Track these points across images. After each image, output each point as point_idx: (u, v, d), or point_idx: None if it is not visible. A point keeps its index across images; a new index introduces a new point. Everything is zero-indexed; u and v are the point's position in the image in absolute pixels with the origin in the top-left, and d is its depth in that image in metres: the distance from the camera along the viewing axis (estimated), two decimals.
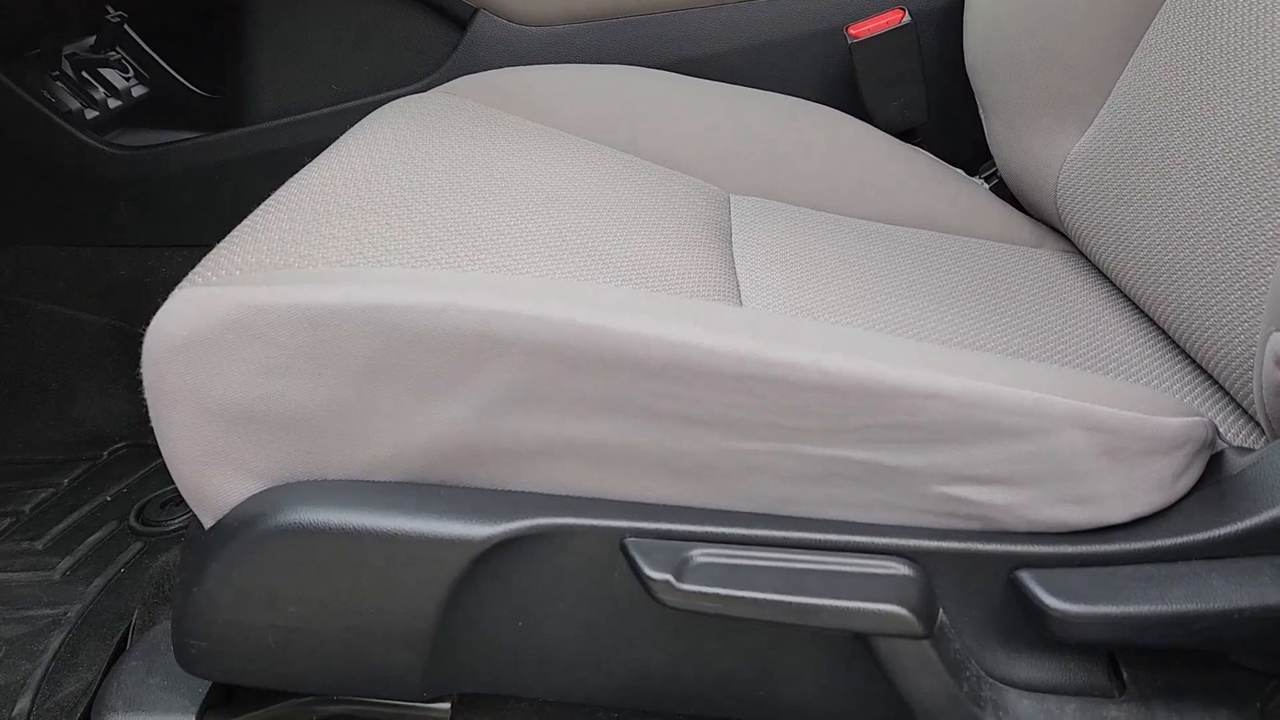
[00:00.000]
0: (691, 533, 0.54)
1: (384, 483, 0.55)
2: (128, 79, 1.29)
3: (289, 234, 0.62)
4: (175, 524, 1.00)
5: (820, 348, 0.52)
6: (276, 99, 1.14)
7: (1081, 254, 0.96)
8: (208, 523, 0.58)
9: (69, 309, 1.21)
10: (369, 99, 1.11)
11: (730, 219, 0.90)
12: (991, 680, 0.57)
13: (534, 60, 1.11)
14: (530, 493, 0.55)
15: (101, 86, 1.25)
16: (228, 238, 0.64)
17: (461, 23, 1.10)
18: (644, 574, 0.53)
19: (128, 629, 0.85)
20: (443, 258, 0.60)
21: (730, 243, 0.84)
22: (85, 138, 1.16)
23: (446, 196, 0.71)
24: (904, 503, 0.55)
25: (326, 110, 1.12)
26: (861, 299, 0.76)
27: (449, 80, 1.06)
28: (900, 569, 0.54)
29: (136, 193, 1.16)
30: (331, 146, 0.82)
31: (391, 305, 0.52)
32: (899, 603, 0.52)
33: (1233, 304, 0.67)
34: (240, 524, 0.56)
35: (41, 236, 1.19)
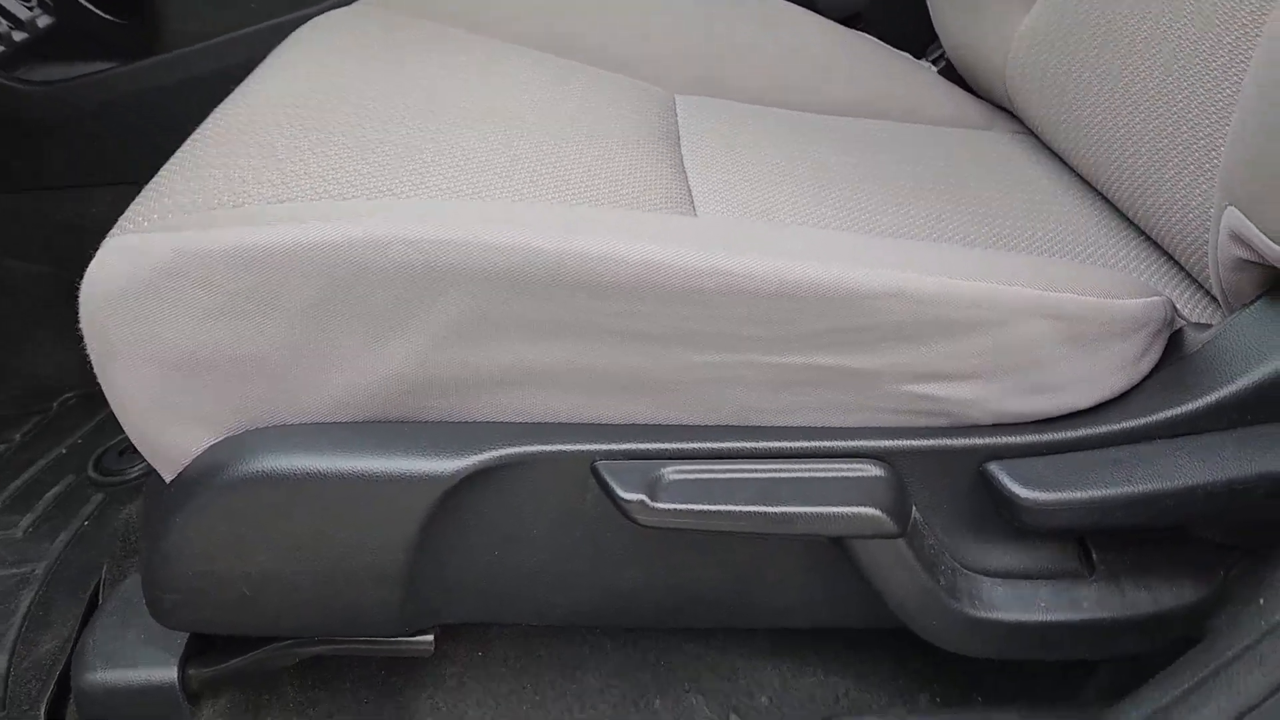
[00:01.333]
0: (661, 450, 0.54)
1: (345, 423, 0.54)
2: (31, 8, 1.22)
3: (219, 170, 0.59)
4: (135, 472, 0.99)
5: (774, 253, 0.51)
6: (195, 21, 1.09)
7: (1032, 134, 0.95)
8: (167, 476, 0.57)
9: (2, 258, 1.16)
10: (293, 15, 1.06)
11: (677, 122, 0.88)
12: (966, 571, 0.57)
13: None
14: (494, 423, 0.54)
15: (3, 19, 1.18)
16: (156, 178, 0.61)
17: None
18: (617, 496, 0.52)
19: (98, 583, 0.84)
20: (382, 185, 0.58)
21: (679, 147, 0.82)
22: None
23: (382, 119, 0.68)
24: (870, 404, 0.55)
25: (248, 30, 1.07)
26: (816, 196, 0.75)
27: None
28: (871, 470, 0.54)
29: (56, 131, 1.11)
30: (256, 71, 0.79)
31: (333, 243, 0.50)
32: (872, 504, 0.53)
33: (1185, 179, 0.67)
34: (201, 475, 0.54)
35: None
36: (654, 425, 0.55)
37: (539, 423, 0.55)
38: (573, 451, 0.54)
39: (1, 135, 1.11)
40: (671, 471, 0.53)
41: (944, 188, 0.81)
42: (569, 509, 0.55)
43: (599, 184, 0.67)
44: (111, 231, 0.55)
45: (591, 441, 0.54)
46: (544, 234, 0.50)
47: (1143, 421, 0.55)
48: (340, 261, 0.50)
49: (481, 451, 0.53)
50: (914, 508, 0.56)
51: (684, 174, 0.76)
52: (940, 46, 1.04)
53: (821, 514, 0.52)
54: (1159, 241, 0.72)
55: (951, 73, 1.04)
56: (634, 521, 0.53)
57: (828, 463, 0.54)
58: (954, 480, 0.56)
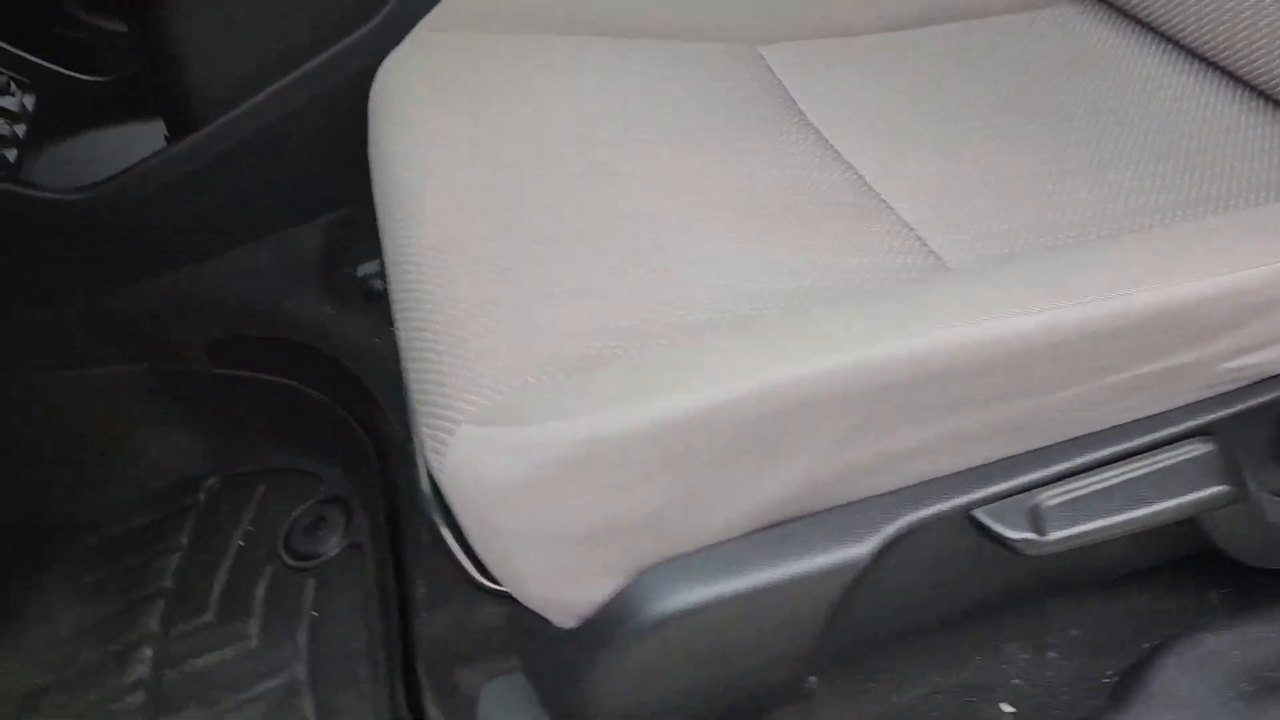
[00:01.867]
0: (1027, 482, 0.58)
1: (745, 537, 0.57)
2: (11, 93, 1.13)
3: (504, 339, 0.59)
4: (334, 550, 1.00)
5: (1105, 291, 0.55)
6: (222, 78, 1.02)
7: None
8: (566, 623, 0.59)
9: (75, 368, 1.12)
10: (323, 56, 1.00)
11: (787, 89, 0.87)
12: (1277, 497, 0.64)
13: None
14: (878, 496, 0.58)
15: None
16: (445, 340, 0.60)
17: None
18: (1005, 538, 0.57)
19: (390, 674, 0.87)
20: (680, 316, 0.59)
21: (809, 123, 0.82)
22: (21, 190, 1.03)
23: (577, 216, 0.68)
24: (1192, 387, 0.60)
25: (283, 83, 1.01)
26: (997, 174, 0.76)
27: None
28: (1204, 447, 0.60)
29: (109, 229, 1.05)
30: (387, 174, 0.76)
31: (728, 402, 0.51)
32: (1219, 480, 0.58)
33: None
34: (610, 620, 0.57)
35: (19, 301, 1.08)
36: (1012, 458, 0.59)
37: (914, 484, 0.59)
38: (952, 506, 0.58)
39: (54, 247, 1.05)
40: (1045, 500, 0.58)
41: (1095, 120, 0.81)
42: (948, 551, 0.60)
43: (803, 229, 0.68)
44: (459, 419, 0.56)
45: (965, 492, 0.58)
46: (910, 338, 0.52)
47: None
48: (743, 413, 0.52)
49: (878, 529, 0.57)
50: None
51: (846, 165, 0.77)
52: None
53: (1181, 504, 0.58)
54: None
55: None
56: (1022, 555, 0.58)
57: (1168, 450, 0.60)
58: (1266, 427, 0.62)
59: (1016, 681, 0.76)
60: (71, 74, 1.14)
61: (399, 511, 0.99)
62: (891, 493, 0.58)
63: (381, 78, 0.88)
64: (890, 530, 0.57)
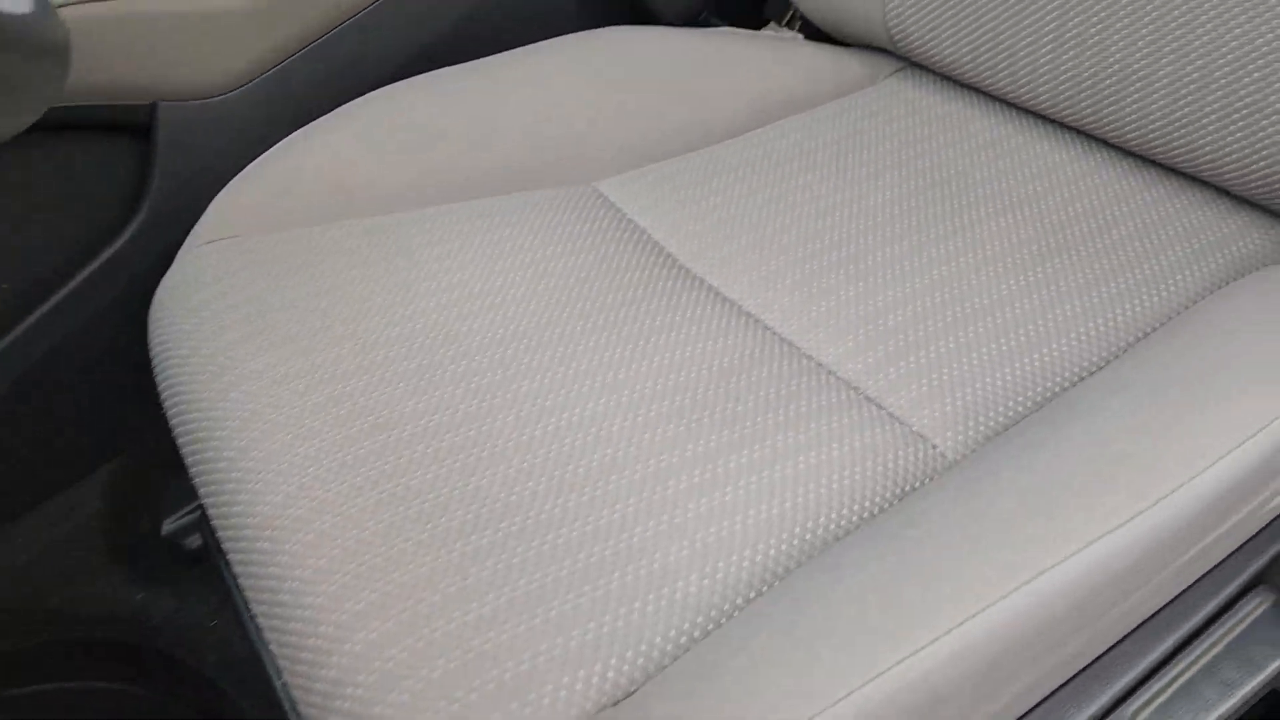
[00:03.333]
0: (1115, 695, 0.50)
1: None
2: None
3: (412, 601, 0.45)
4: None
5: (1174, 478, 0.47)
6: None
7: (929, 70, 0.93)
8: None
9: None
10: (75, 282, 0.81)
11: (648, 232, 0.77)
12: None
13: (247, 128, 0.84)
14: None
15: None
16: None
17: (144, 127, 0.80)
18: None
19: None
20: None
21: (693, 275, 0.72)
22: None
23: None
24: (1243, 536, 0.53)
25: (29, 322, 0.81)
26: (888, 283, 0.69)
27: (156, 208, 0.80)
28: (1267, 598, 0.54)
29: None
30: (190, 383, 0.61)
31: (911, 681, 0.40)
32: None
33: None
34: None
35: None
36: (1092, 668, 0.51)
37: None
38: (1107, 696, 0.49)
39: None
40: (1137, 714, 0.50)
41: (966, 202, 0.77)
42: None
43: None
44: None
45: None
46: (1008, 598, 0.43)
47: None
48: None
49: None
50: None
51: (767, 330, 0.67)
52: (789, 9, 0.97)
53: (1270, 673, 0.52)
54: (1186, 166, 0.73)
55: (810, 28, 0.98)
56: None
57: (1231, 615, 0.53)
58: None
59: None
60: None
61: None
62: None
63: (162, 300, 0.71)
64: None
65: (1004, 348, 0.63)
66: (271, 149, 0.80)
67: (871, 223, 0.76)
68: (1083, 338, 0.64)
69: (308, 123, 0.82)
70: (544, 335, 0.67)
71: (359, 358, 0.65)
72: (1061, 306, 0.66)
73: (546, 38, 0.90)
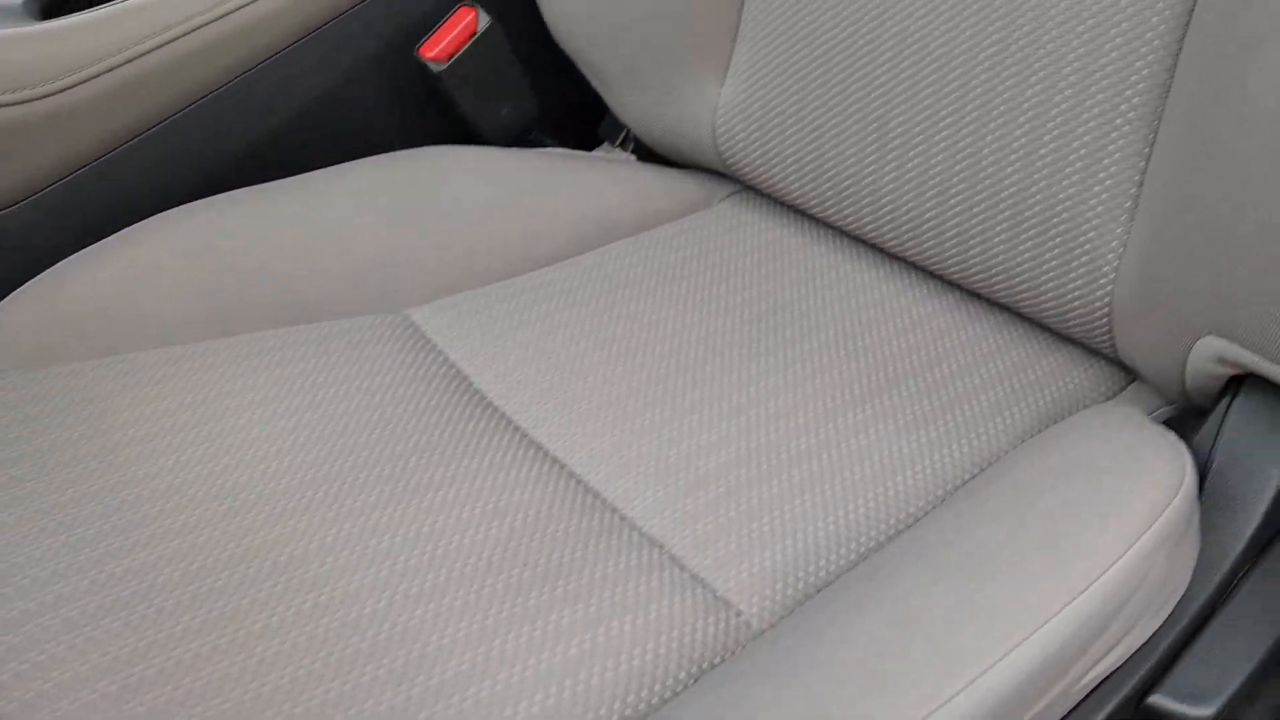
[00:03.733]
0: None
1: None
2: None
3: None
4: None
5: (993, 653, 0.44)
6: None
7: (758, 192, 0.91)
8: None
9: None
10: None
11: (450, 356, 0.72)
12: None
13: (25, 246, 0.77)
14: None
15: None
16: None
17: None
18: None
19: None
20: None
21: (507, 418, 0.67)
22: None
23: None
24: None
25: None
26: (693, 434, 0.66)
27: None
28: None
29: None
30: None
31: None
32: None
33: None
34: None
35: None
36: None
37: None
38: None
39: None
40: None
41: (784, 323, 0.75)
42: None
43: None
44: None
45: None
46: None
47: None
48: None
49: None
50: None
51: (574, 478, 0.63)
52: (623, 130, 0.94)
53: None
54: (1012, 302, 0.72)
55: (643, 149, 0.95)
56: None
57: None
58: None
59: None
60: None
61: None
62: None
63: None
64: None
65: (819, 499, 0.60)
66: (44, 273, 0.73)
67: (693, 357, 0.72)
68: (899, 487, 0.61)
69: (92, 243, 0.76)
70: (329, 489, 0.61)
71: (113, 518, 0.58)
72: (879, 452, 0.63)
73: (363, 155, 0.86)
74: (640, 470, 0.62)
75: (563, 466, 0.63)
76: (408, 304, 0.79)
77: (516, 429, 0.66)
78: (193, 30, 0.80)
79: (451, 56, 0.82)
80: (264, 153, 0.87)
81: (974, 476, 0.62)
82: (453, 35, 0.82)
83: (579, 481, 0.62)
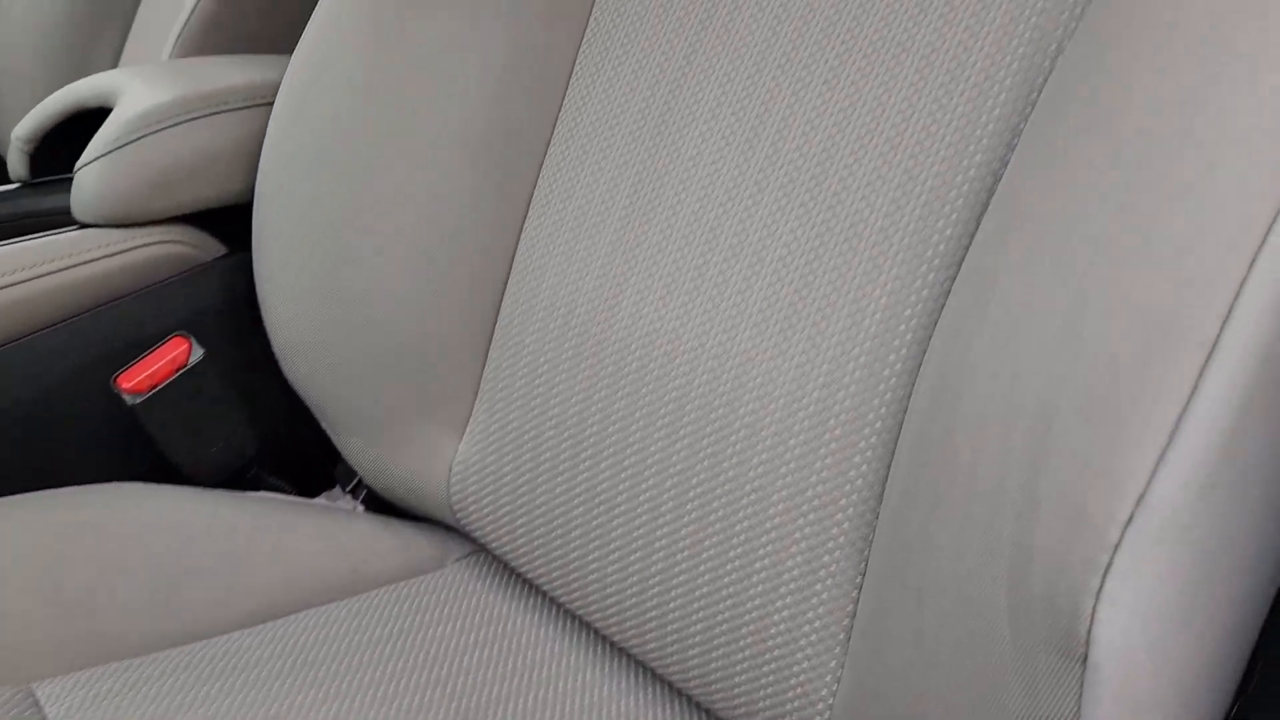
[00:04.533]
0: None
1: None
2: None
3: None
4: None
5: None
6: None
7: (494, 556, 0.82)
8: None
9: None
10: None
11: None
12: None
13: None
14: None
15: None
16: None
17: None
18: None
19: None
20: None
21: None
22: None
23: None
24: None
25: None
26: None
27: None
28: None
29: None
30: None
31: None
32: None
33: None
34: None
35: None
36: None
37: None
38: None
39: None
40: None
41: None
42: None
43: None
44: None
45: None
46: None
47: None
48: None
49: None
50: None
51: None
52: (354, 476, 0.86)
53: None
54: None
55: (376, 500, 0.86)
56: None
57: None
58: None
59: None
60: None
61: None
62: None
63: None
64: None
65: None
66: None
67: None
68: None
69: None
70: None
71: None
72: None
73: (38, 488, 0.75)
74: None
75: None
76: (34, 677, 0.66)
77: None
78: None
79: (151, 389, 0.73)
80: None
81: None
82: (157, 366, 0.74)
83: None
